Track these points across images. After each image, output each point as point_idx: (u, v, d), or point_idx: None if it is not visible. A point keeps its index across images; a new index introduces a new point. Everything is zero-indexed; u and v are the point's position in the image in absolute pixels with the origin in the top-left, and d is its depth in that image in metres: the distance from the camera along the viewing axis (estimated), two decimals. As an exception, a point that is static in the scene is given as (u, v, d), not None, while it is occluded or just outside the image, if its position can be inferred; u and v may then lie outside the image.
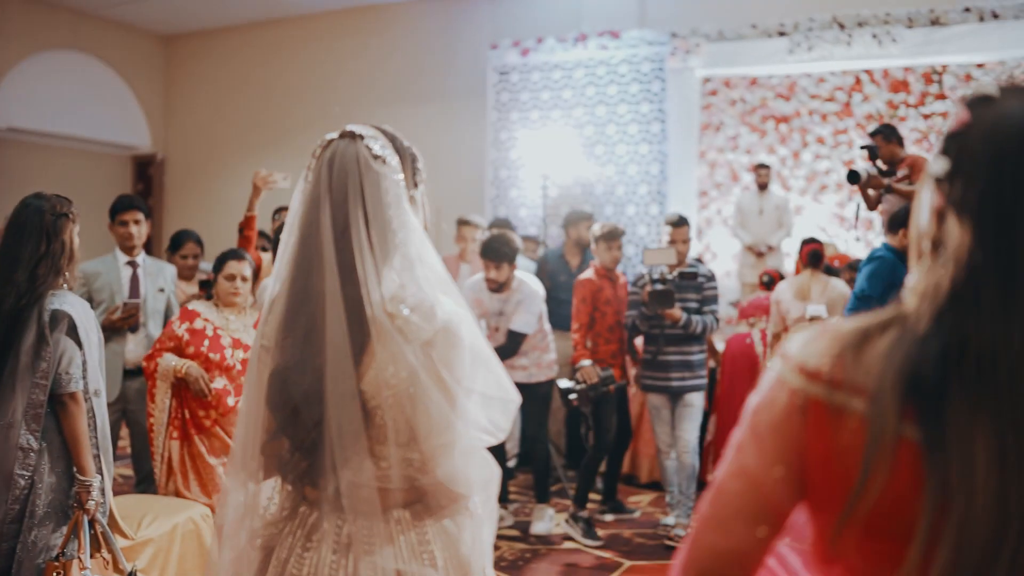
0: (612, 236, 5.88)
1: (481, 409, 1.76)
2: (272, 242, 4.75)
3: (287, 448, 1.79)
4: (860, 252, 8.72)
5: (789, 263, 8.69)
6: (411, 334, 1.67)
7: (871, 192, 6.48)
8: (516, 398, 1.80)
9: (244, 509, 1.85)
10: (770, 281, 7.12)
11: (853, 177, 6.30)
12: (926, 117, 9.09)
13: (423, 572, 1.72)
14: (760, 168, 8.73)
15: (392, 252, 1.74)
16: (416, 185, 1.86)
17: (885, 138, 6.57)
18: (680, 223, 5.69)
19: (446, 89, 10.63)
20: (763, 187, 8.72)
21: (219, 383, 4.35)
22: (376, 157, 1.77)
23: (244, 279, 4.50)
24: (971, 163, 1.02)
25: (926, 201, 1.10)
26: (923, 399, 0.98)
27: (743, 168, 9.77)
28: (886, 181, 6.24)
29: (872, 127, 9.00)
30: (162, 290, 5.23)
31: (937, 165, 1.07)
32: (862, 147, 6.67)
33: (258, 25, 11.64)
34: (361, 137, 1.79)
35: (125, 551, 3.67)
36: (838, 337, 1.08)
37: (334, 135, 1.82)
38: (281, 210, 6.36)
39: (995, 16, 8.35)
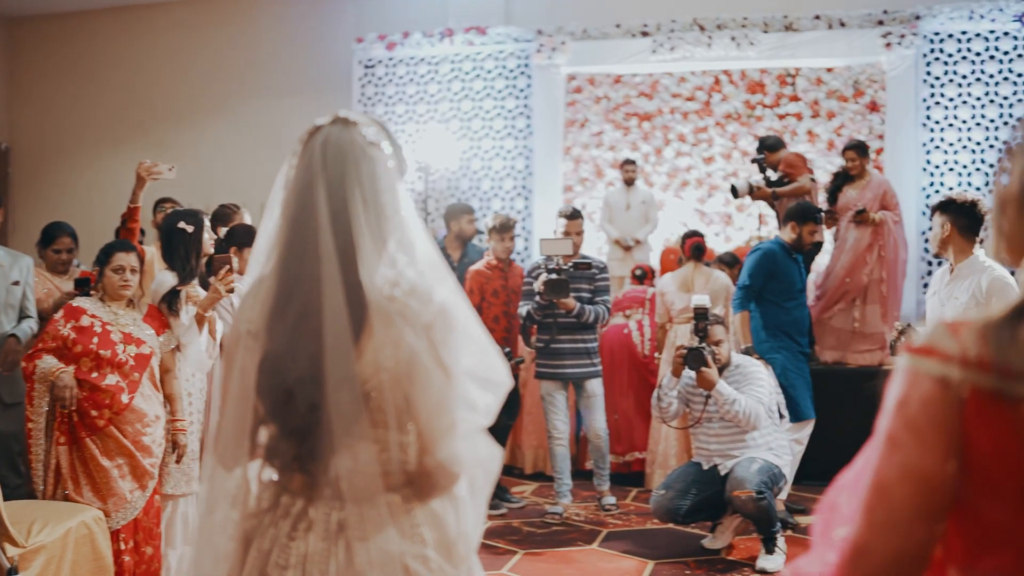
0: (504, 228, 6.10)
1: (477, 391, 1.78)
2: (166, 237, 4.59)
3: (275, 434, 1.77)
4: (721, 247, 9.08)
5: (655, 257, 8.95)
6: (411, 317, 1.68)
7: (764, 200, 6.97)
8: (508, 381, 1.83)
9: (224, 498, 1.82)
10: (643, 274, 7.32)
11: (733, 192, 6.86)
12: (781, 117, 9.55)
13: (422, 552, 1.74)
14: (627, 164, 8.96)
15: (388, 236, 1.75)
16: (401, 174, 1.87)
17: (770, 149, 7.00)
18: (575, 215, 5.90)
19: (311, 82, 10.47)
20: (630, 183, 8.95)
21: (111, 380, 4.17)
22: (372, 143, 1.78)
23: (133, 270, 4.32)
24: None
25: (1018, 197, 1.16)
26: None
27: (607, 164, 10.01)
28: (769, 190, 6.68)
29: (731, 126, 9.44)
30: (16, 283, 4.98)
31: None
32: (752, 161, 7.11)
33: (115, 10, 11.14)
34: (355, 123, 1.79)
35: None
36: (984, 328, 1.09)
37: (324, 121, 1.81)
38: (164, 202, 6.13)
39: (842, 24, 8.85)
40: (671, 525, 5.47)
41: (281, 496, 1.78)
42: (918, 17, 8.62)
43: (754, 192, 6.79)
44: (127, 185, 5.13)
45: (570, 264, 5.76)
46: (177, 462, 4.34)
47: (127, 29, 11.11)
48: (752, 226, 9.50)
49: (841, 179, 6.96)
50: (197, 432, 4.45)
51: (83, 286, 4.65)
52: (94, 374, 4.16)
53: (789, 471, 5.63)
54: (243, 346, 1.76)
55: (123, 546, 4.08)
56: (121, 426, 4.16)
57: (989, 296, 4.02)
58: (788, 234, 5.66)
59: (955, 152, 8.57)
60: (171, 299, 4.42)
